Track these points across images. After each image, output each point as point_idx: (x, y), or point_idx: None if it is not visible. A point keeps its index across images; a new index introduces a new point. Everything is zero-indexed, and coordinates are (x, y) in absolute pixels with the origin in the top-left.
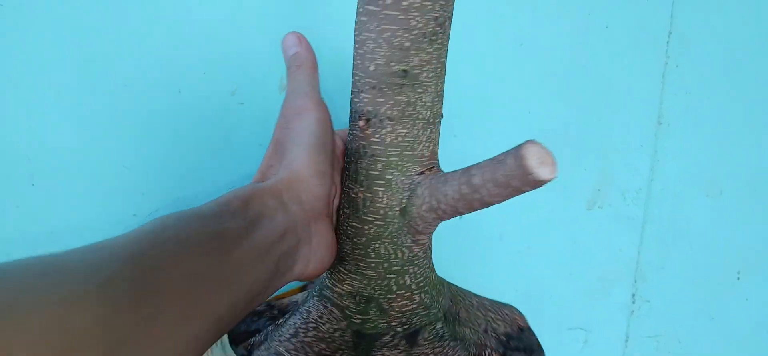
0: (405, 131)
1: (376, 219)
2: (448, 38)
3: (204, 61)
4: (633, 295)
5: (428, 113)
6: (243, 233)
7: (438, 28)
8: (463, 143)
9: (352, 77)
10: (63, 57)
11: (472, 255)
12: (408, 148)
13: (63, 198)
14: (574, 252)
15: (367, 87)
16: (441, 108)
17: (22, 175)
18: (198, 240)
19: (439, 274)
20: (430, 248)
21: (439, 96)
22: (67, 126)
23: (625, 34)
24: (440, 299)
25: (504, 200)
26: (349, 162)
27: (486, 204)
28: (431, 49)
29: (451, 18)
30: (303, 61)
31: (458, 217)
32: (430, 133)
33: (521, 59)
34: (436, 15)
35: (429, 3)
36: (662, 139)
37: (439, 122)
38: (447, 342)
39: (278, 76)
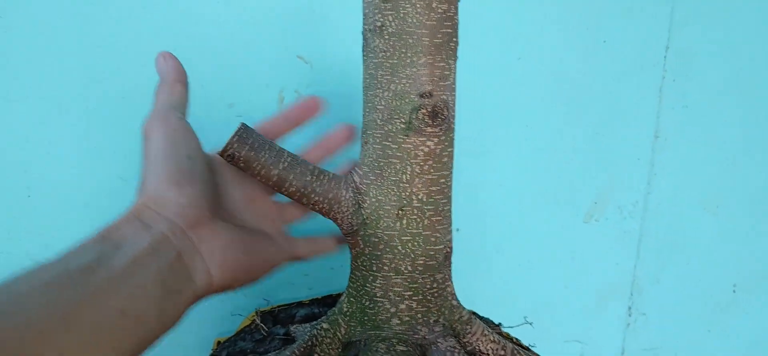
0: None
1: None
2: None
3: (202, 73)
4: (629, 308)
5: None
6: (93, 266)
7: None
8: (460, 157)
9: None
10: (61, 69)
11: (471, 268)
12: None
13: (60, 210)
14: (571, 265)
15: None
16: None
17: (20, 186)
18: (34, 289)
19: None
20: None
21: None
22: (65, 138)
23: (623, 49)
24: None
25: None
26: None
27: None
28: None
29: None
30: (161, 80)
31: (456, 230)
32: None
33: (520, 73)
34: None
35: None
36: (659, 153)
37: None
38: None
39: (277, 89)
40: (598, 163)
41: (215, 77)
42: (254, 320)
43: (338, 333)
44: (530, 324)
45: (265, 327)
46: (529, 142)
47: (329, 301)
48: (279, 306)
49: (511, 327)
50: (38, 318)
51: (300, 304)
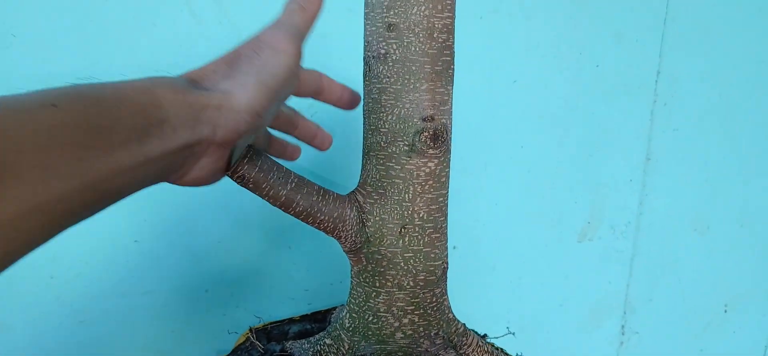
0: None
1: None
2: None
3: None
4: (622, 327)
5: None
6: (132, 137)
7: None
8: (457, 176)
9: None
10: (64, 68)
11: (466, 286)
12: None
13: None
14: (565, 284)
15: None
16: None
17: None
18: (83, 118)
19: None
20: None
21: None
22: None
23: (615, 73)
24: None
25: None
26: None
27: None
28: None
29: None
30: (306, 7)
31: (453, 247)
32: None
33: (514, 96)
34: None
35: None
36: (651, 175)
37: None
38: None
39: None
40: (591, 184)
41: None
42: (249, 337)
43: (342, 348)
44: (513, 334)
45: (260, 346)
46: (524, 163)
47: (319, 317)
48: (271, 323)
49: (497, 338)
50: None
51: (291, 321)
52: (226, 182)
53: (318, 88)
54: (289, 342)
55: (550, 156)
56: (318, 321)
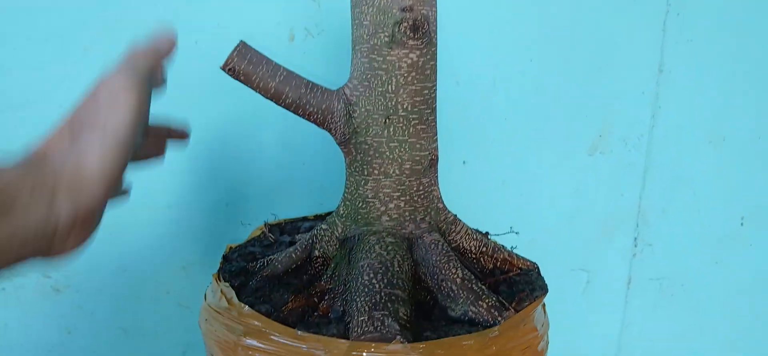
0: None
1: None
2: None
3: (214, 8)
4: (635, 239)
5: None
6: None
7: None
8: (464, 91)
9: None
10: (88, 15)
11: (476, 200)
12: None
13: None
14: (576, 197)
15: None
16: None
17: (53, 117)
18: None
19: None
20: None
21: None
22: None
23: None
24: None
25: None
26: None
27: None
28: None
29: None
30: (155, 47)
31: (463, 162)
32: None
33: (524, 8)
34: None
35: None
36: (663, 86)
37: None
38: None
39: (287, 27)
40: (602, 97)
41: (227, 12)
42: (263, 230)
43: (336, 232)
44: (516, 233)
45: (272, 236)
46: (533, 76)
47: None
48: (286, 220)
49: (498, 235)
50: None
51: (305, 219)
52: (240, 100)
53: (163, 143)
54: (299, 235)
55: (560, 70)
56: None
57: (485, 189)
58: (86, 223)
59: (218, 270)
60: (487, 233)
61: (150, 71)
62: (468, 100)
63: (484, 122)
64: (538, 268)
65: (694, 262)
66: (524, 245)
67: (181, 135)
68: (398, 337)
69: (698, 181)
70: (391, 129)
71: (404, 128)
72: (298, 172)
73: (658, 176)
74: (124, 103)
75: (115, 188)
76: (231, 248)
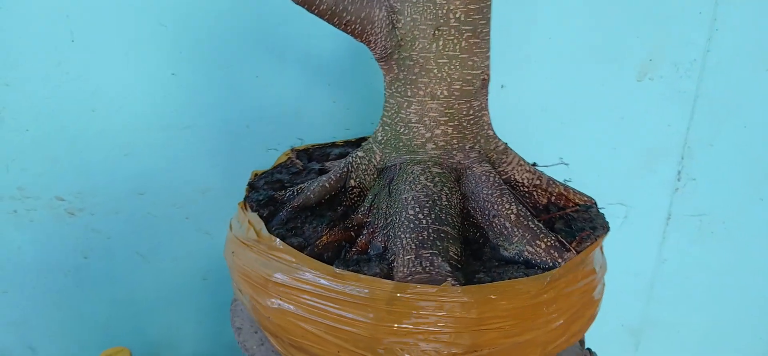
0: None
1: None
2: None
3: None
4: (679, 172)
5: None
6: None
7: None
8: (505, 7)
9: None
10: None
11: (513, 126)
12: None
13: (102, 55)
14: (621, 125)
15: None
16: None
17: (63, 32)
18: None
19: None
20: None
21: None
22: None
23: None
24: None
25: None
26: None
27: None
28: None
29: None
30: None
31: (501, 86)
32: None
33: None
34: None
35: None
36: (722, 6)
37: None
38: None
39: None
40: (655, 17)
41: None
42: (290, 157)
43: (373, 160)
44: (566, 164)
45: (300, 162)
46: None
47: (362, 142)
48: (313, 146)
49: (547, 166)
50: None
51: (334, 144)
52: (262, 15)
53: None
54: (329, 162)
55: None
56: (360, 145)
57: (523, 116)
58: None
59: (244, 198)
60: (534, 164)
61: None
62: (509, 16)
63: (525, 42)
64: (596, 204)
65: (737, 198)
66: (561, 174)
67: None
68: (449, 279)
69: (750, 112)
70: (441, 42)
71: (455, 41)
72: (323, 92)
73: (707, 106)
74: None
75: None
76: (256, 174)
